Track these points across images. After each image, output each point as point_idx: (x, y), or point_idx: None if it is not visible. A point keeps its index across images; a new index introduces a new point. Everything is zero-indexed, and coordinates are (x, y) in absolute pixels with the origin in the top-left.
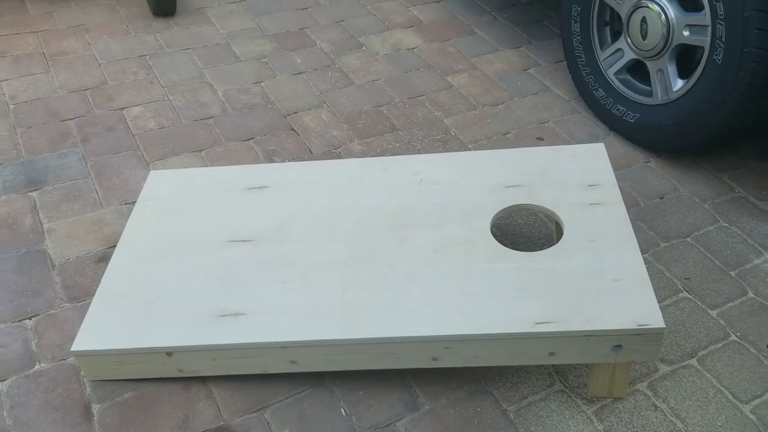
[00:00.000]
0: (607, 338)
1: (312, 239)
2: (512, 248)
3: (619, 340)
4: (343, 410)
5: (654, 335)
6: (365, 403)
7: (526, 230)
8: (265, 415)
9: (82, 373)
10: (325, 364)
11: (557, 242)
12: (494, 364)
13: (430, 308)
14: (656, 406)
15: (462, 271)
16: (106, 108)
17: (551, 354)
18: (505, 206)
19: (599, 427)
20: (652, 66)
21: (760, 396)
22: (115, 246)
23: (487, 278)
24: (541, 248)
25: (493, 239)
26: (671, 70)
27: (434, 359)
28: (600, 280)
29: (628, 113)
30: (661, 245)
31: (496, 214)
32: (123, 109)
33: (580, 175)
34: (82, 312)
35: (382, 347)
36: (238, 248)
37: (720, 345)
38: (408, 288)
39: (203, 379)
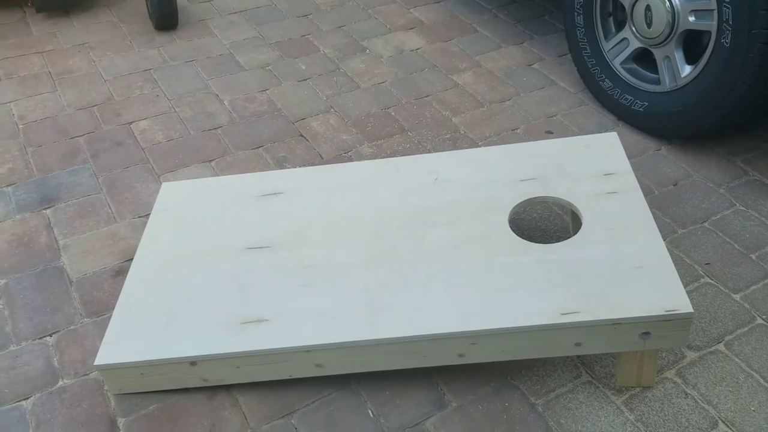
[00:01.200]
0: (634, 326)
1: (330, 242)
2: None
3: (647, 328)
4: (370, 412)
5: (683, 321)
6: (392, 403)
7: (541, 224)
8: (293, 421)
9: (105, 387)
10: (350, 366)
11: (573, 234)
12: (521, 357)
13: (454, 304)
14: (687, 393)
15: (482, 266)
16: (114, 123)
17: (578, 344)
18: (523, 200)
19: (630, 417)
20: (658, 53)
21: None
22: (131, 259)
23: (508, 272)
24: (558, 241)
25: (512, 233)
26: (678, 56)
27: (460, 356)
28: (622, 268)
29: (637, 102)
30: (679, 232)
31: (514, 207)
32: (131, 123)
33: (595, 165)
34: (102, 326)
35: (408, 346)
36: (256, 255)
37: (746, 329)
38: (429, 286)
39: (228, 388)
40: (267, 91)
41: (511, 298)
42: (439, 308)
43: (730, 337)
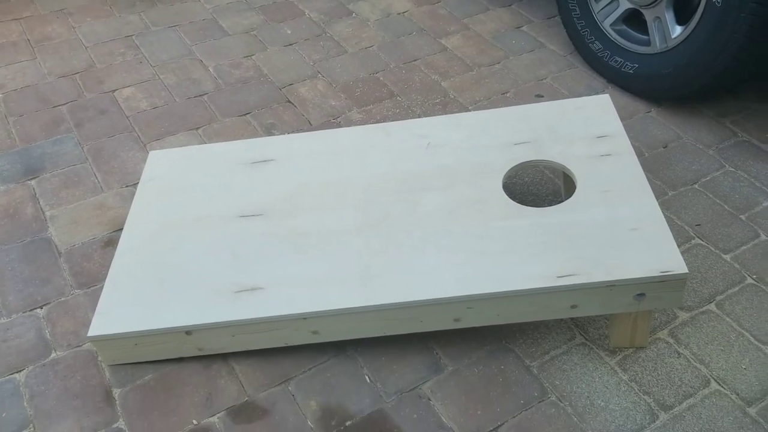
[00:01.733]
0: (629, 287)
1: (323, 209)
2: None
3: (641, 289)
4: (367, 377)
5: (677, 281)
6: (389, 368)
7: (533, 188)
8: (290, 388)
9: (99, 358)
10: (347, 332)
11: (565, 198)
12: (517, 320)
13: (450, 269)
14: (679, 353)
15: (477, 230)
16: (97, 91)
17: (573, 307)
18: (516, 163)
19: (624, 377)
20: (649, 14)
21: None
22: (120, 229)
23: (503, 236)
24: (550, 205)
25: (506, 197)
26: (669, 17)
27: (456, 320)
28: (617, 230)
29: (627, 64)
30: (669, 194)
31: (508, 171)
32: (114, 91)
33: (588, 128)
34: (94, 297)
35: (405, 312)
36: (248, 223)
37: (737, 288)
38: (425, 251)
39: (223, 356)
40: (252, 57)
41: (507, 262)
42: (435, 273)
43: (721, 297)
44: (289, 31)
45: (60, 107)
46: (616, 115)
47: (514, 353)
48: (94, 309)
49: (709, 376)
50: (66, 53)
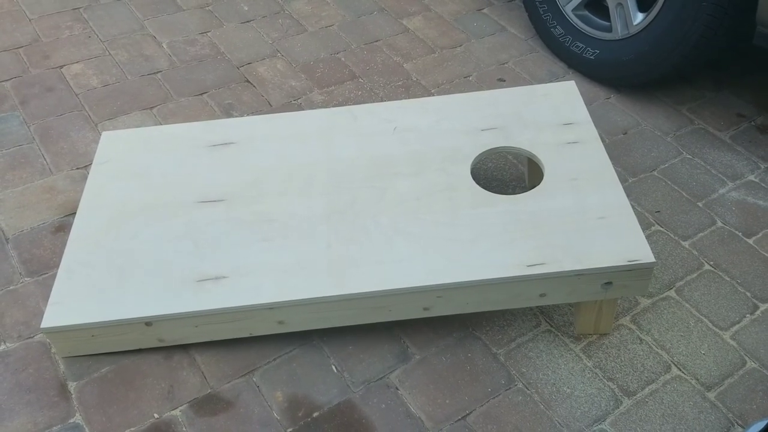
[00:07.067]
0: (598, 276)
1: (288, 195)
2: None
3: (609, 278)
4: (334, 367)
5: (644, 270)
6: (356, 357)
7: (497, 173)
8: (254, 379)
9: (53, 350)
10: (314, 322)
11: (528, 184)
12: (486, 309)
13: (419, 258)
14: (641, 339)
15: (447, 218)
16: (43, 67)
17: (542, 295)
18: (484, 150)
19: (588, 364)
20: (611, 0)
21: (738, 322)
22: (72, 214)
23: (473, 224)
24: (513, 191)
25: (475, 184)
26: (631, 3)
27: (426, 309)
28: (586, 219)
29: (588, 50)
30: (630, 180)
31: (476, 158)
32: (62, 67)
33: (555, 115)
34: (45, 286)
35: (374, 301)
36: (210, 209)
37: (695, 275)
38: (394, 238)
39: (185, 347)
40: (208, 33)
41: (477, 250)
42: (405, 262)
43: (681, 283)
44: (246, 8)
45: (3, 83)
46: (582, 102)
47: (481, 341)
48: (46, 298)
49: (670, 362)
50: (8, 25)
